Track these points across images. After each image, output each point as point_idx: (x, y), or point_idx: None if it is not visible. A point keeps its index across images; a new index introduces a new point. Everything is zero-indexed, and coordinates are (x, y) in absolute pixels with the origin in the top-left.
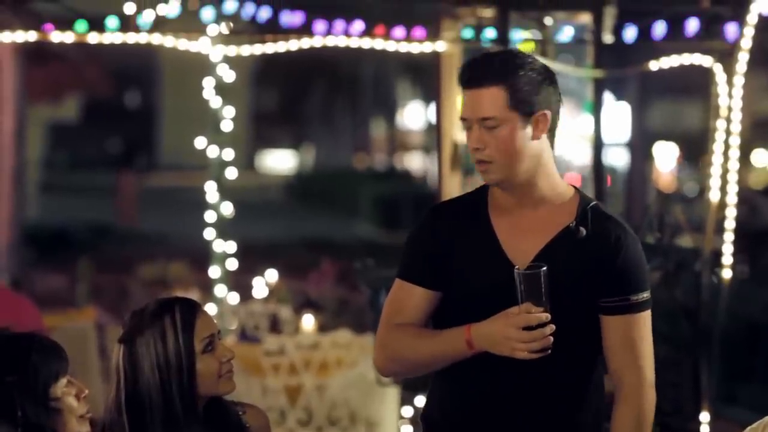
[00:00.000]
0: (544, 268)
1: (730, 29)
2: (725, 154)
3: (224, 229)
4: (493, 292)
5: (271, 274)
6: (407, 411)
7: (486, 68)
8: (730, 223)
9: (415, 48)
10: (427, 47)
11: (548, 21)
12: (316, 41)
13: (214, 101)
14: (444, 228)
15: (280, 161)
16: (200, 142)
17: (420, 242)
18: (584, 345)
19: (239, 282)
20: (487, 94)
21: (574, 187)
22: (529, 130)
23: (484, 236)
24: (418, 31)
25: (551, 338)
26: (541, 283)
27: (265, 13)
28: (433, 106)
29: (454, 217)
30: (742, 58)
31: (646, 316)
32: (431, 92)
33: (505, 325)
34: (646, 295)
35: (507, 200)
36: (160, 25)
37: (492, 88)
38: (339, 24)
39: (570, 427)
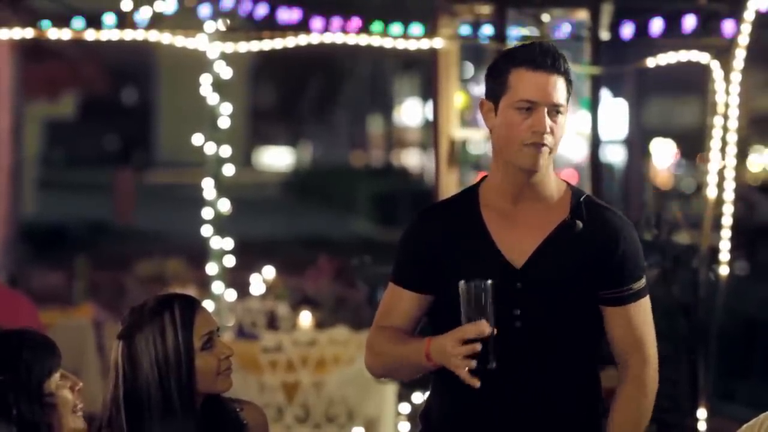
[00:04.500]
0: (489, 282)
1: (728, 26)
2: (722, 150)
3: (221, 226)
4: None
5: (269, 271)
6: (404, 408)
7: (559, 57)
8: (727, 220)
9: (412, 45)
10: (424, 44)
11: (545, 18)
12: (314, 38)
13: (212, 98)
14: (435, 230)
15: (277, 158)
16: (197, 139)
17: (409, 246)
18: (585, 338)
19: (236, 279)
20: (560, 82)
21: (566, 182)
22: None
23: (478, 237)
24: (415, 28)
25: (473, 362)
26: (482, 296)
27: (262, 10)
28: (430, 103)
29: (446, 219)
30: (740, 55)
31: (646, 302)
32: (428, 89)
33: (446, 338)
34: (643, 281)
35: (504, 197)
36: (158, 21)
37: (562, 78)
38: (336, 21)
39: (571, 422)
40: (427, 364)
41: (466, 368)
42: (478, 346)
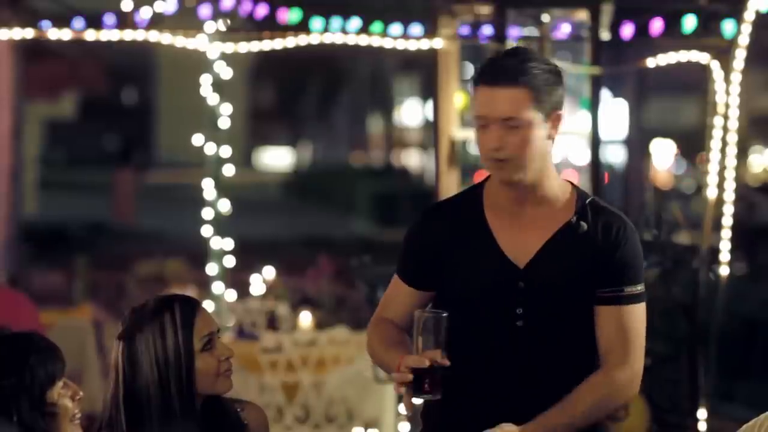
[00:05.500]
0: (445, 315)
1: (728, 26)
2: (723, 151)
3: (221, 226)
4: (492, 291)
5: (269, 271)
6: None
7: (510, 67)
8: (727, 220)
9: (412, 45)
10: (424, 44)
11: (545, 18)
12: (313, 38)
13: (212, 98)
14: (438, 229)
15: (277, 158)
16: (197, 139)
17: (413, 242)
18: (587, 339)
19: (236, 279)
20: (511, 93)
21: (571, 183)
22: (545, 129)
23: (480, 236)
24: (415, 28)
25: (402, 387)
26: (436, 327)
27: (262, 10)
28: (430, 103)
29: (449, 218)
30: (740, 55)
31: (640, 309)
32: (428, 89)
33: (401, 360)
34: (640, 287)
35: (505, 199)
36: (158, 22)
37: (517, 88)
38: (336, 21)
39: None
40: None
41: (405, 393)
42: (410, 376)
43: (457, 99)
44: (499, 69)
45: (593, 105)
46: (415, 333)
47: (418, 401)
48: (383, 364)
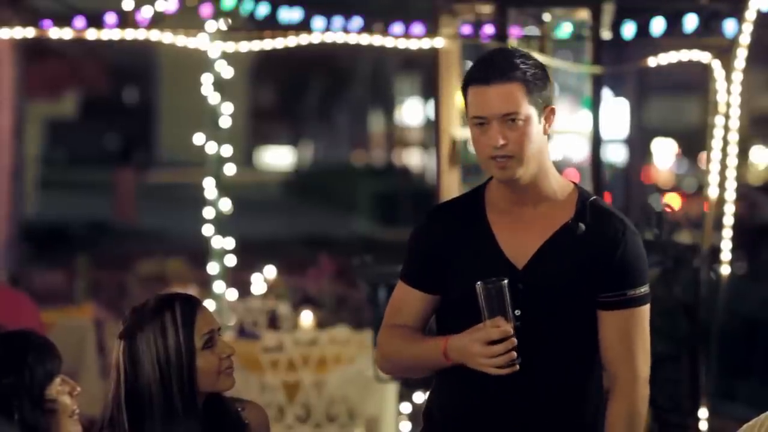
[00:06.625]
0: (505, 281)
1: (729, 25)
2: (724, 150)
3: (222, 225)
4: None
5: (270, 271)
6: (406, 407)
7: (500, 64)
8: (728, 220)
9: (413, 44)
10: (426, 43)
11: (546, 17)
12: (315, 37)
13: (213, 97)
14: (441, 230)
15: (278, 157)
16: (198, 138)
17: (417, 245)
18: (585, 342)
19: (237, 278)
20: (506, 89)
21: (574, 183)
22: (541, 125)
23: (481, 236)
24: (417, 28)
25: (514, 353)
26: (502, 296)
27: (263, 10)
28: (431, 103)
29: (452, 219)
30: (741, 55)
31: (644, 311)
32: (429, 88)
33: (470, 340)
34: (644, 289)
35: (506, 199)
36: (159, 21)
37: (512, 84)
38: (337, 20)
39: (571, 424)
40: (445, 362)
41: (495, 366)
42: (509, 345)
43: (458, 98)
44: (489, 67)
45: (594, 104)
46: (483, 304)
47: (499, 372)
48: (417, 356)
